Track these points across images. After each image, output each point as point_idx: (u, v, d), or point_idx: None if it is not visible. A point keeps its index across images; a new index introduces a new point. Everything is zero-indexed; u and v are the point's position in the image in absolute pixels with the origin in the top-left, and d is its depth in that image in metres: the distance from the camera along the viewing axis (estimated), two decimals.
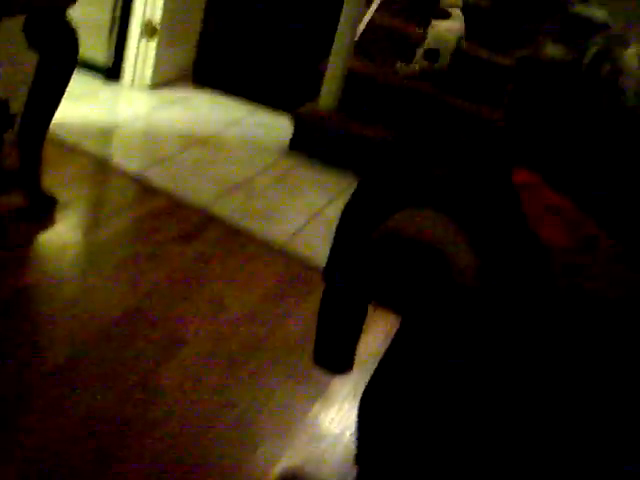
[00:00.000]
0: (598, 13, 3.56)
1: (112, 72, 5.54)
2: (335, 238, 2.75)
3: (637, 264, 2.53)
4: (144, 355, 3.10)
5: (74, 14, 3.55)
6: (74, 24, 3.55)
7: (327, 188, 4.66)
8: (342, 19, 5.04)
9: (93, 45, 5.28)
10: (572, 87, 3.11)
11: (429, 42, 5.18)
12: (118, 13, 5.45)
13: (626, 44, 3.23)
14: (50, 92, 3.64)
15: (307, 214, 4.35)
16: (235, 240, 3.99)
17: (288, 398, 3.13)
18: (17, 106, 3.75)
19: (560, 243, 2.53)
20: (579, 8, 3.79)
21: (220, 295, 3.56)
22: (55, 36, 3.54)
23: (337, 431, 3.03)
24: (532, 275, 2.45)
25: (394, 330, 2.57)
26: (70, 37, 3.57)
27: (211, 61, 6.25)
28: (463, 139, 3.49)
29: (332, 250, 2.75)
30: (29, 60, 3.84)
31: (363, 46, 5.34)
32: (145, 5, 5.42)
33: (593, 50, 3.14)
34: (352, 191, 2.78)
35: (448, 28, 5.18)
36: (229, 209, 4.22)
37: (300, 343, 3.34)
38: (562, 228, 2.57)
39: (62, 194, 3.93)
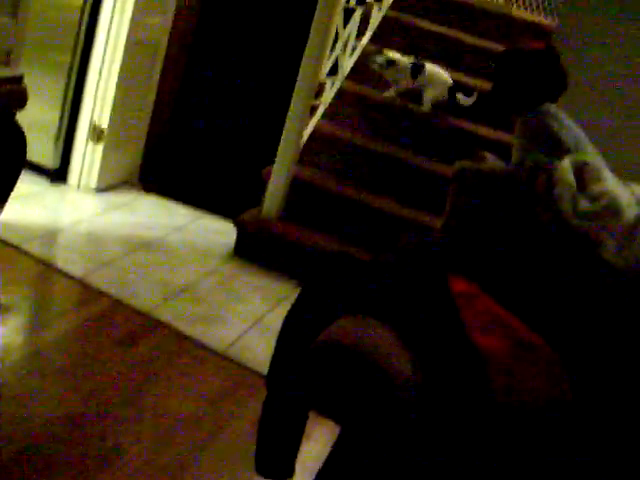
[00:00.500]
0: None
1: (58, 174, 5.57)
2: (277, 346, 2.79)
3: (571, 367, 2.59)
4: (83, 461, 3.06)
5: (21, 115, 3.59)
6: (22, 126, 3.59)
7: (270, 294, 4.70)
8: (286, 126, 5.14)
9: (40, 147, 5.32)
10: (510, 198, 3.21)
11: None
12: (66, 116, 5.51)
13: (560, 154, 3.35)
14: None
15: (250, 320, 4.37)
16: (178, 344, 3.99)
17: None
18: None
19: (497, 351, 2.58)
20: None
21: (162, 400, 3.54)
22: (2, 138, 3.57)
23: None
24: (470, 387, 2.50)
25: (334, 437, 2.59)
26: (18, 140, 3.59)
27: (157, 166, 6.33)
28: (403, 247, 3.57)
29: (274, 358, 2.78)
30: None
31: (307, 153, 5.44)
32: (93, 109, 5.49)
33: (529, 162, 3.26)
34: (294, 299, 2.82)
35: None
36: (173, 313, 4.23)
37: (242, 449, 3.33)
38: (499, 336, 2.62)
39: (5, 296, 3.92)
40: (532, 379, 2.52)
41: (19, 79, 3.54)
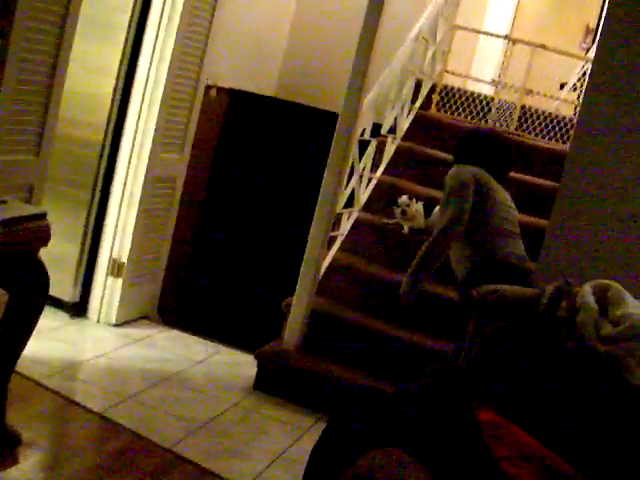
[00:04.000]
0: None
1: (78, 308, 5.60)
2: (304, 478, 2.75)
3: None
4: None
5: (43, 250, 3.63)
6: (44, 263, 3.63)
7: (292, 427, 4.66)
8: (305, 258, 5.18)
9: (60, 281, 5.35)
10: (532, 324, 3.20)
11: None
12: (86, 250, 5.57)
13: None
14: (19, 330, 3.67)
15: (272, 453, 4.32)
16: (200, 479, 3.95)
17: None
18: None
19: None
20: None
21: None
22: (26, 275, 3.61)
23: None
24: None
25: None
26: (41, 276, 3.63)
27: (175, 299, 6.36)
28: (427, 377, 3.55)
29: None
30: None
31: (326, 284, 5.45)
32: (113, 243, 5.56)
33: (551, 289, 3.26)
34: (320, 433, 2.80)
35: None
36: (194, 449, 4.18)
37: None
38: (529, 465, 2.59)
39: (26, 431, 3.89)
40: None
41: (43, 216, 3.58)
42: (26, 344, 3.70)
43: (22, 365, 4.24)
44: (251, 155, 6.92)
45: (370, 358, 5.08)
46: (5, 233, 3.32)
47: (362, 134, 5.70)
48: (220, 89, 6.66)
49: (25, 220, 3.46)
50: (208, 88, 6.30)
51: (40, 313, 3.69)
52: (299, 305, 5.20)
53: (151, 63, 5.42)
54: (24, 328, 3.68)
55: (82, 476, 3.78)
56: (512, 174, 4.98)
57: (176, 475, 3.93)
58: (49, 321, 5.27)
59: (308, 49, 7.40)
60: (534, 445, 2.68)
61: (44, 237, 3.56)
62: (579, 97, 7.20)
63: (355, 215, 5.85)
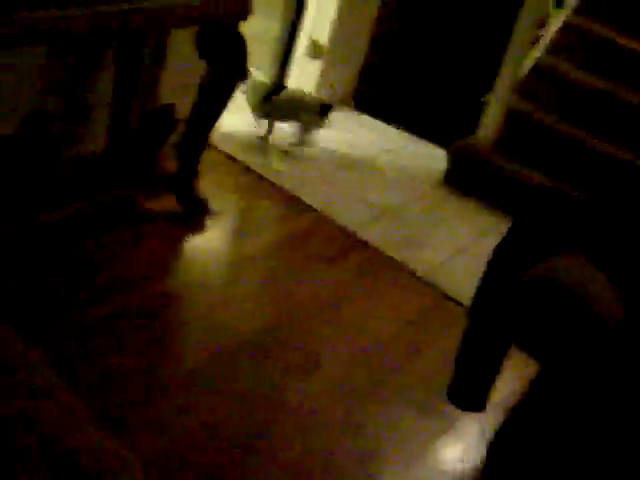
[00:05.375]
0: None
1: (276, 88, 5.62)
2: (484, 277, 2.72)
3: None
4: (275, 372, 3.12)
5: (244, 27, 3.62)
6: (244, 38, 3.62)
7: (476, 224, 4.61)
8: (507, 55, 5.00)
9: (259, 59, 5.36)
10: None
11: None
12: (286, 30, 5.54)
13: None
14: (216, 101, 3.72)
15: (454, 247, 4.31)
16: (380, 266, 3.98)
17: (414, 430, 3.10)
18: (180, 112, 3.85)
19: None
20: None
21: (359, 320, 3.55)
22: (226, 48, 3.61)
23: (461, 468, 2.98)
24: None
25: (529, 375, 2.52)
26: (240, 50, 3.63)
27: (371, 86, 6.29)
28: (616, 188, 3.42)
29: (480, 288, 2.71)
30: (195, 69, 3.96)
31: (526, 86, 5.27)
32: (313, 25, 5.49)
33: None
34: (505, 232, 2.74)
35: None
36: (376, 234, 4.22)
37: (432, 376, 3.31)
38: None
39: (215, 202, 3.99)
40: None
41: None
42: (220, 115, 3.74)
43: (216, 139, 4.32)
44: None
45: (565, 166, 4.93)
46: (206, 3, 3.31)
47: None
48: None
49: None
50: None
51: (236, 86, 3.72)
52: (496, 103, 5.06)
53: None
54: (220, 99, 3.72)
55: (265, 251, 3.88)
56: None
57: (356, 258, 3.99)
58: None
59: None
60: None
61: (245, 11, 3.53)
62: None
63: (563, 17, 5.56)
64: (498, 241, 2.70)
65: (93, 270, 3.37)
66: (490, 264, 2.73)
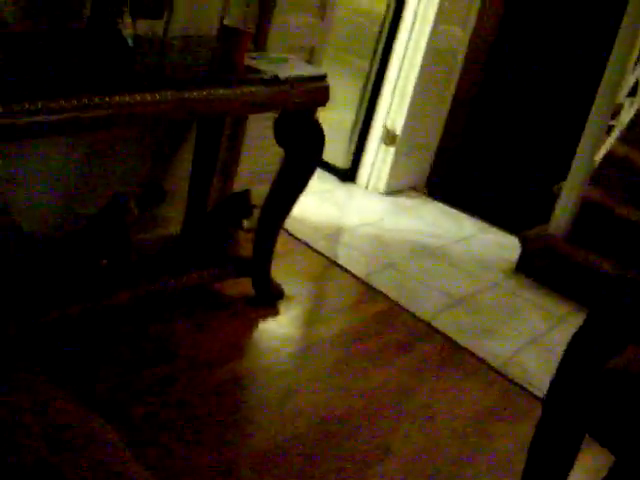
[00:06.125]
0: None
1: (348, 174, 5.69)
2: (560, 368, 2.69)
3: None
4: (346, 460, 3.09)
5: (321, 114, 3.69)
6: (321, 125, 3.68)
7: (550, 313, 4.58)
8: (581, 145, 4.99)
9: (334, 147, 5.43)
10: None
11: None
12: (360, 118, 5.63)
13: None
14: (291, 187, 3.77)
15: (527, 337, 4.28)
16: (452, 354, 3.96)
17: None
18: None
19: None
20: None
21: (431, 408, 3.52)
22: (303, 135, 3.67)
23: None
24: None
25: (603, 468, 2.49)
26: (317, 137, 3.69)
27: (445, 174, 6.33)
28: None
29: (555, 379, 2.68)
30: (272, 156, 4.03)
31: (599, 176, 5.25)
32: (387, 113, 5.56)
33: None
34: (582, 322, 2.72)
35: None
36: (449, 323, 4.21)
37: (504, 467, 3.26)
38: None
39: (288, 286, 4.03)
40: None
41: (322, 77, 3.62)
42: (296, 201, 3.79)
43: (290, 224, 4.38)
44: (533, 35, 6.67)
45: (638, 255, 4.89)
46: (285, 90, 3.38)
47: None
48: None
49: (305, 80, 3.51)
50: None
51: (312, 173, 3.76)
52: (570, 193, 5.05)
53: None
54: (296, 186, 3.77)
55: (336, 337, 3.90)
56: None
57: (428, 346, 3.98)
58: (320, 183, 5.41)
59: None
60: None
61: (322, 98, 3.60)
62: None
63: (637, 105, 5.56)
64: (574, 331, 2.68)
65: (167, 353, 3.40)
66: (567, 355, 2.70)
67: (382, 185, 5.67)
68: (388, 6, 5.44)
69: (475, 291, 4.64)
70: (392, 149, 5.61)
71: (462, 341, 4.07)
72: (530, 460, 2.73)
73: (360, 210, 5.39)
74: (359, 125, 5.66)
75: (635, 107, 5.54)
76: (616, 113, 5.31)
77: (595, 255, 4.90)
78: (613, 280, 4.35)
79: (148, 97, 2.78)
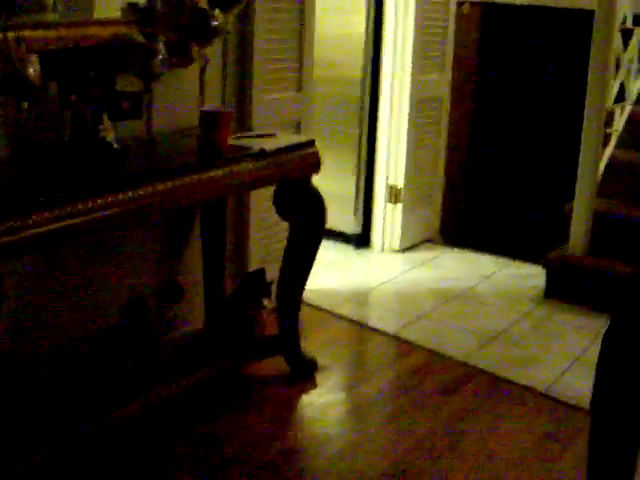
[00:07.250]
0: None
1: (361, 239, 5.71)
2: (597, 371, 2.66)
3: None
4: None
5: (321, 187, 3.72)
6: (319, 192, 3.71)
7: (586, 330, 4.55)
8: (581, 160, 4.99)
9: (341, 215, 5.47)
10: None
11: None
12: (362, 181, 5.66)
13: None
14: (302, 259, 3.79)
15: (568, 358, 4.24)
16: (497, 389, 3.93)
17: None
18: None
19: None
20: None
21: (486, 444, 3.48)
22: (303, 204, 3.70)
23: None
24: None
25: None
26: (317, 205, 3.71)
27: (456, 219, 6.34)
28: None
29: (596, 387, 2.65)
30: (279, 230, 4.06)
31: (605, 185, 5.25)
32: (387, 171, 5.60)
33: None
34: (607, 327, 2.68)
35: None
36: (489, 360, 4.18)
37: None
38: None
39: (321, 357, 4.03)
40: None
41: (311, 143, 3.65)
42: (310, 271, 3.80)
43: (313, 296, 4.39)
44: (512, 65, 6.71)
45: None
46: (276, 161, 3.42)
47: (623, 22, 5.41)
48: (473, 3, 6.51)
49: (294, 148, 3.55)
50: (460, 4, 6.19)
51: (319, 242, 3.78)
52: (581, 208, 5.05)
53: None
54: (306, 258, 3.79)
55: (379, 394, 3.88)
56: None
57: (473, 385, 3.95)
58: (335, 253, 5.46)
59: None
60: None
61: (314, 163, 3.63)
62: None
63: (628, 109, 5.58)
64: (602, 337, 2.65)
65: (216, 442, 3.38)
66: (600, 359, 2.66)
67: (396, 243, 5.68)
68: (363, 67, 5.53)
69: (508, 324, 4.62)
70: (399, 206, 5.63)
71: (504, 374, 4.04)
72: (590, 473, 2.68)
73: (379, 270, 5.39)
74: (362, 189, 5.69)
75: (627, 111, 5.56)
76: (609, 121, 5.32)
77: (618, 262, 4.87)
78: (631, 278, 4.32)
79: (140, 192, 2.83)
